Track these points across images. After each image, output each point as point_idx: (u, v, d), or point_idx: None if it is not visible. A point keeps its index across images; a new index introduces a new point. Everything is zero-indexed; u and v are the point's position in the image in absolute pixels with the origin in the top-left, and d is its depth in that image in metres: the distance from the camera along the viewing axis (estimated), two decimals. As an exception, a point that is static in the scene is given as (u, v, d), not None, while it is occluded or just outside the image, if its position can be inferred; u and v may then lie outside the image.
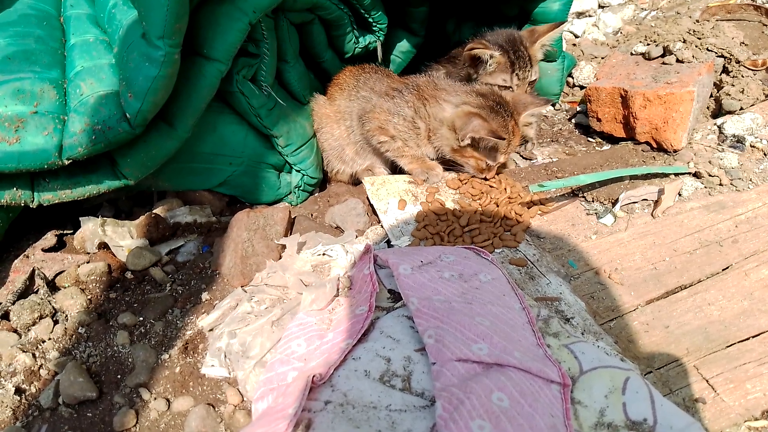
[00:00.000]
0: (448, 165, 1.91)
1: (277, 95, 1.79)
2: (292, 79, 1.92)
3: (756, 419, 1.15)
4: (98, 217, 1.71)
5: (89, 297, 1.54)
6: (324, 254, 1.56)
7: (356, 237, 1.67)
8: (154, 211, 1.79)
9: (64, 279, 1.59)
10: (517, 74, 1.98)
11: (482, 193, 1.75)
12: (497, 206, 1.70)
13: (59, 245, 1.73)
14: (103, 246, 1.68)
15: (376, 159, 2.03)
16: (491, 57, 1.94)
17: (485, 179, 1.83)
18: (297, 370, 1.24)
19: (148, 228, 1.71)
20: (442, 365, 1.08)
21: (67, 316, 1.49)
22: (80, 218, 1.69)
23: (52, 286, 1.58)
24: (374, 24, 2.10)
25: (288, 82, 1.92)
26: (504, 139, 1.70)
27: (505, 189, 1.76)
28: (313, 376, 1.09)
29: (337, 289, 1.42)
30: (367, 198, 1.84)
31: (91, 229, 1.68)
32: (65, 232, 1.76)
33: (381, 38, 2.19)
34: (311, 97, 2.05)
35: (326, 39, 2.05)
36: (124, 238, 1.69)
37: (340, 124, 2.01)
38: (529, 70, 1.99)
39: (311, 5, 1.83)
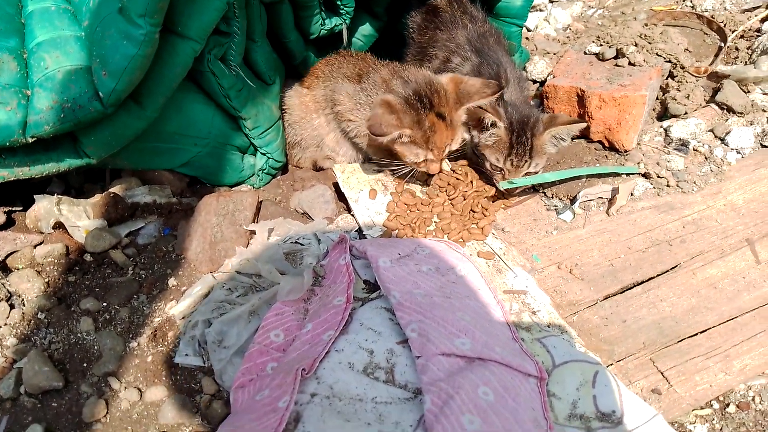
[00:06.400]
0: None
1: (244, 75, 1.75)
2: (258, 58, 1.86)
3: (702, 408, 1.26)
4: (53, 195, 1.62)
5: (47, 280, 1.47)
6: (296, 242, 1.56)
7: (327, 225, 1.67)
8: (111, 190, 1.72)
9: (17, 260, 1.50)
10: (511, 160, 1.72)
11: (449, 185, 1.78)
12: (464, 199, 1.74)
13: (8, 223, 1.63)
14: (59, 226, 1.60)
15: (350, 146, 2.00)
16: (494, 126, 1.70)
17: (431, 176, 1.74)
18: (276, 361, 1.24)
19: (106, 208, 1.64)
20: (427, 359, 1.12)
21: (23, 300, 1.42)
22: (34, 196, 1.60)
23: (3, 268, 1.50)
24: (342, 7, 2.07)
25: (254, 62, 1.87)
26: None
27: (471, 182, 1.80)
28: (302, 369, 1.10)
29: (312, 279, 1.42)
30: (335, 185, 1.83)
31: (45, 207, 1.59)
32: (14, 209, 1.66)
33: (347, 21, 2.16)
34: (277, 78, 2.01)
35: (293, 19, 2.00)
36: (81, 217, 1.62)
37: (319, 113, 1.98)
38: (526, 161, 1.72)
39: (285, -16, 1.78)
